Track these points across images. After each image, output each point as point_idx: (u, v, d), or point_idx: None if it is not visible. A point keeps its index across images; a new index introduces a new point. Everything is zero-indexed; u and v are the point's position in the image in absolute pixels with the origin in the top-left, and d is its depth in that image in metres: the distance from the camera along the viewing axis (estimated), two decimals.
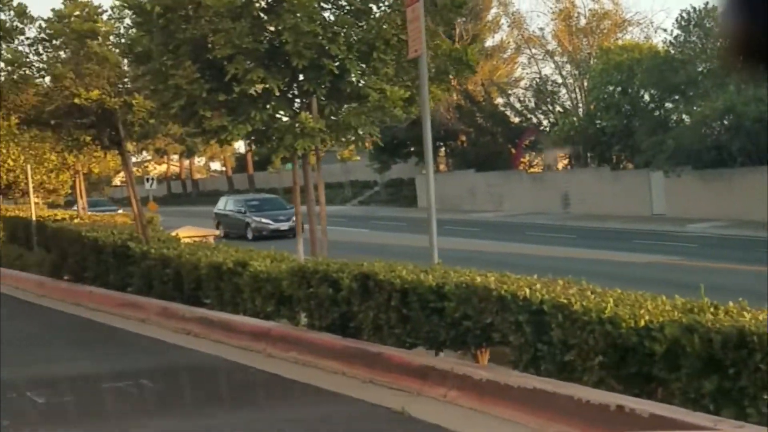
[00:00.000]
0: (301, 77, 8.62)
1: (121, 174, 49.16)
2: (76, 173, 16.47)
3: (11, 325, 9.34)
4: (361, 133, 9.44)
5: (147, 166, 64.92)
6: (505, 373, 5.87)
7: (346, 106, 9.30)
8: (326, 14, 8.58)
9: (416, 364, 6.43)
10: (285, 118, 8.81)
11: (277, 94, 8.52)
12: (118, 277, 11.67)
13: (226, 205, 27.90)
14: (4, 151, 21.29)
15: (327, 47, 8.19)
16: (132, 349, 7.97)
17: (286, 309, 8.75)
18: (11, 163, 21.23)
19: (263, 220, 25.87)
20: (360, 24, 8.74)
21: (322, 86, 8.70)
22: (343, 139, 9.28)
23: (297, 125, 8.39)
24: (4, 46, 9.40)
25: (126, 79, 10.65)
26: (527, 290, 5.80)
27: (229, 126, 7.62)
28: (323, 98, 8.88)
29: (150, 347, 7.99)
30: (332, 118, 8.96)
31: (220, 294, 9.43)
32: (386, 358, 6.70)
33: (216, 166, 75.19)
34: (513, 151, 36.89)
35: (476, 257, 14.58)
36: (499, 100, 38.70)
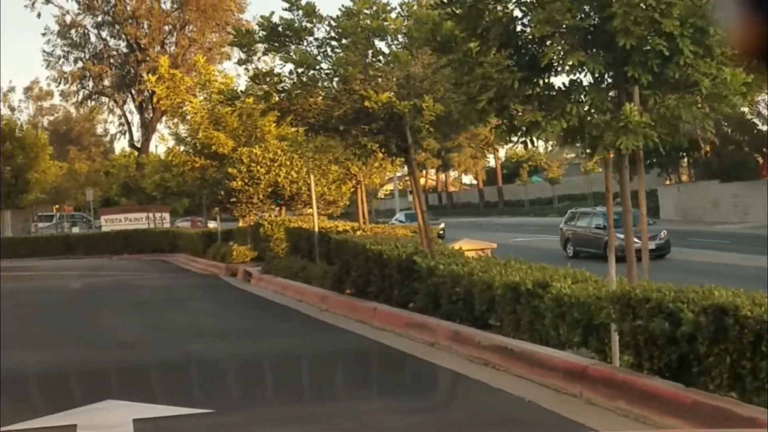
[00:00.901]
0: (622, 61, 7.13)
1: (385, 187, 51.23)
2: (357, 184, 16.16)
3: (295, 347, 8.81)
4: (690, 127, 7.75)
5: (406, 180, 67.94)
6: None
7: (670, 95, 7.67)
8: None
9: None
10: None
11: (591, 83, 7.15)
12: (401, 293, 10.92)
13: (577, 219, 25.51)
14: (288, 163, 21.94)
15: (659, 22, 6.65)
16: (431, 387, 6.98)
17: (594, 340, 7.33)
18: (294, 175, 21.78)
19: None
20: None
21: (648, 72, 7.14)
22: (668, 137, 7.60)
23: (619, 120, 6.92)
24: (292, 47, 8.92)
25: (414, 81, 9.81)
26: None
27: (543, 122, 6.36)
28: (645, 87, 7.34)
29: (451, 385, 6.91)
30: (658, 110, 7.38)
31: (516, 318, 8.21)
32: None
33: (468, 179, 78.27)
34: (760, 160, 33.34)
35: (727, 271, 12.54)
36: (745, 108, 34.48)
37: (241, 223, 28.75)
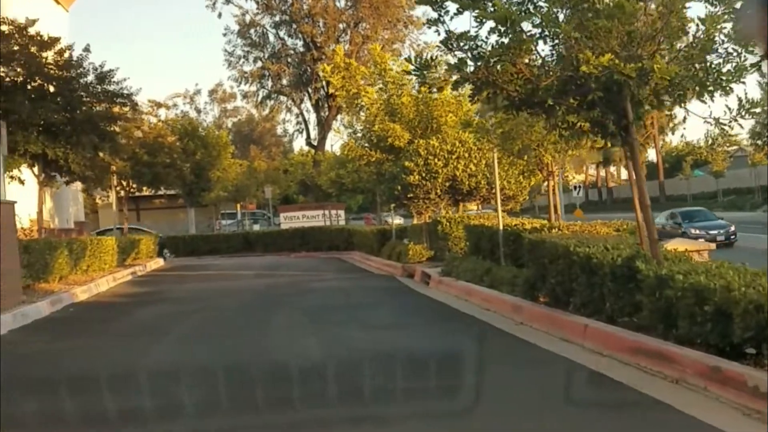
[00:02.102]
0: None
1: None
2: (548, 175, 14.13)
3: (504, 378, 6.98)
4: None
5: (567, 175, 67.02)
6: None
7: None
8: None
9: None
10: None
11: None
12: (616, 307, 8.86)
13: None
14: (466, 155, 20.18)
15: None
16: None
17: None
18: (473, 168, 20.01)
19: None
20: None
21: None
22: None
23: None
24: (490, 2, 7.11)
25: (639, 39, 7.72)
26: None
27: None
28: None
29: None
30: None
31: None
32: None
33: (626, 174, 77.21)
34: None
35: None
36: None
37: (415, 220, 27.46)
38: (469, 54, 7.62)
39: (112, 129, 20.15)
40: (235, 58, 61.28)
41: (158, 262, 30.12)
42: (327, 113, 62.15)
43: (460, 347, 8.81)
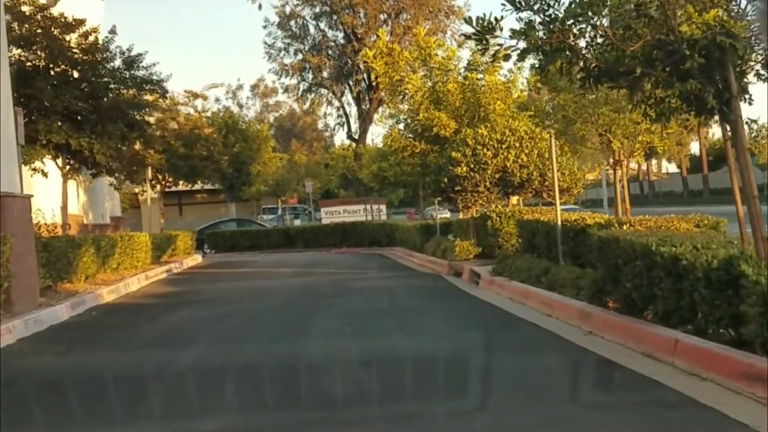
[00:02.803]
0: None
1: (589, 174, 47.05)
2: (615, 164, 12.67)
3: (583, 411, 5.64)
4: None
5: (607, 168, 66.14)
6: None
7: None
8: None
9: None
10: None
11: None
12: (712, 318, 7.46)
13: None
14: (517, 144, 18.79)
15: None
16: None
17: None
18: (524, 158, 18.61)
19: None
20: None
21: None
22: None
23: None
24: None
25: None
26: None
27: None
28: None
29: None
30: None
31: None
32: None
33: (671, 167, 76.72)
34: None
35: None
36: None
37: (461, 215, 26.13)
38: (540, 16, 6.26)
39: (141, 117, 19.06)
40: (276, 50, 60.40)
41: (196, 259, 29.24)
42: (368, 106, 60.96)
43: (530, 365, 7.49)
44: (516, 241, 18.05)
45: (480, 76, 21.27)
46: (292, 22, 59.69)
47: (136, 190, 38.91)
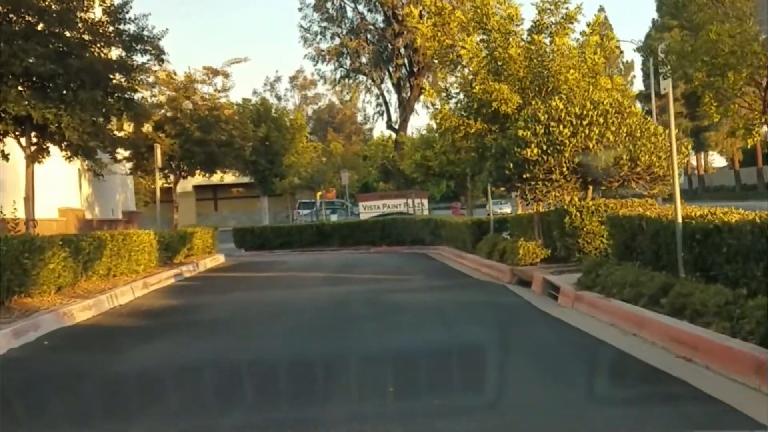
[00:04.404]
0: None
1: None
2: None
3: None
4: None
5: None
6: None
7: None
8: None
9: None
10: None
11: None
12: None
13: None
14: (601, 120, 14.95)
15: None
16: None
17: None
18: (611, 138, 14.76)
19: None
20: None
21: None
22: None
23: None
24: None
25: None
26: None
27: None
28: None
29: None
30: None
31: None
32: None
33: (719, 160, 74.19)
34: None
35: None
36: None
37: (519, 210, 22.37)
38: None
39: (127, 84, 15.30)
40: (312, 34, 56.80)
41: (217, 259, 25.85)
42: (409, 93, 57.20)
43: None
44: (602, 243, 14.24)
45: (547, 41, 17.46)
46: (329, 4, 56.03)
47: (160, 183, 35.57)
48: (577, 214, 14.30)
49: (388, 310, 11.69)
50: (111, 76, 14.59)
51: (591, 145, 14.57)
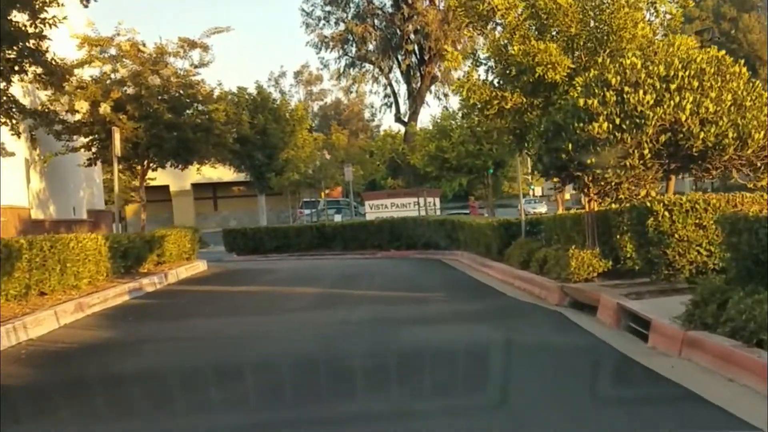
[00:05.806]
0: None
1: None
2: None
3: None
4: None
5: None
6: None
7: None
8: None
9: None
10: None
11: None
12: None
13: None
14: (695, 84, 10.84)
15: None
16: None
17: None
18: (710, 108, 10.65)
19: None
20: None
21: None
22: None
23: None
24: None
25: None
26: None
27: None
28: None
29: None
30: None
31: None
32: None
33: None
34: None
35: None
36: None
37: (560, 210, 18.14)
38: None
39: (32, 25, 11.17)
40: (314, 19, 52.70)
41: (195, 267, 21.86)
42: (419, 83, 53.09)
43: None
44: (699, 255, 10.15)
45: None
46: None
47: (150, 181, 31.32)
48: (666, 213, 10.19)
49: (404, 364, 7.51)
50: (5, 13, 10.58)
51: (683, 118, 10.43)
